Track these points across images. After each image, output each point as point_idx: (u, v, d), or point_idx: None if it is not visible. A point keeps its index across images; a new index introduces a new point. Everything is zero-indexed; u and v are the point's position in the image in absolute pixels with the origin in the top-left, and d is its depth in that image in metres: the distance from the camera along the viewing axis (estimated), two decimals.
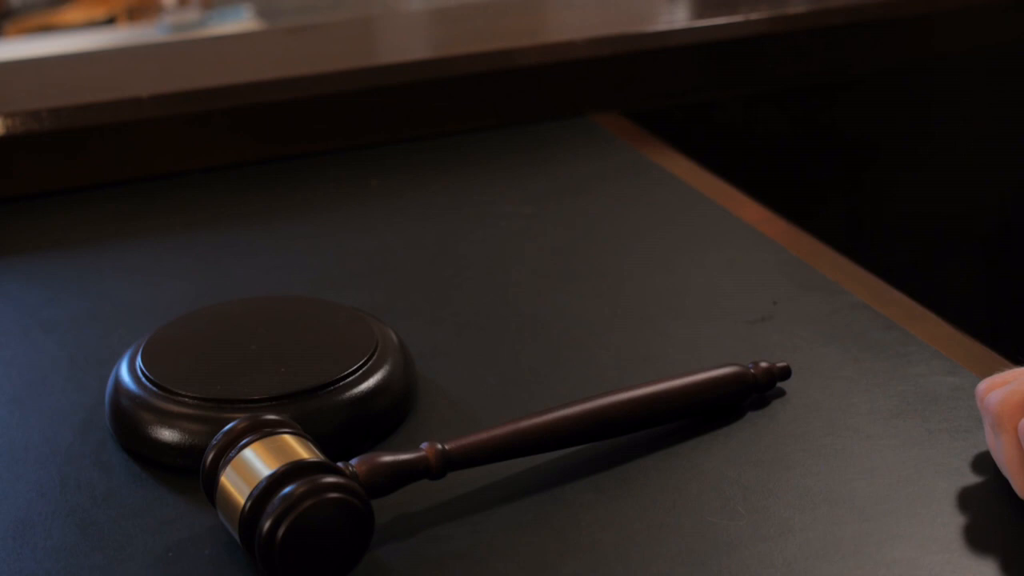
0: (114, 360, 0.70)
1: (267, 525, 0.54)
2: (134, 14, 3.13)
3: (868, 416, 0.67)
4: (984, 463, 0.63)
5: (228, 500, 0.57)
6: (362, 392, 0.66)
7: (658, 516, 0.60)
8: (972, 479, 0.62)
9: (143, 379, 0.66)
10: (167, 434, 0.64)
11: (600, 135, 1.14)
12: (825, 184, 1.34)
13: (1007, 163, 1.42)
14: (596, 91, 1.19)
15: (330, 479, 0.56)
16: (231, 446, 0.59)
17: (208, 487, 0.59)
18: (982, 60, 1.37)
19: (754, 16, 1.25)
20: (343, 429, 0.65)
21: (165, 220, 0.99)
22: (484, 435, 0.62)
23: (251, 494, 0.56)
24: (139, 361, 0.68)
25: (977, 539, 0.57)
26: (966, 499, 0.60)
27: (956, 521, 0.58)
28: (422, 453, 0.60)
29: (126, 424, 0.66)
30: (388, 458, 0.59)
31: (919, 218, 1.38)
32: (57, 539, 0.59)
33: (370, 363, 0.68)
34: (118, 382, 0.68)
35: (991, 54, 1.37)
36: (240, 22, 2.88)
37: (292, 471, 0.56)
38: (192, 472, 0.63)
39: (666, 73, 1.22)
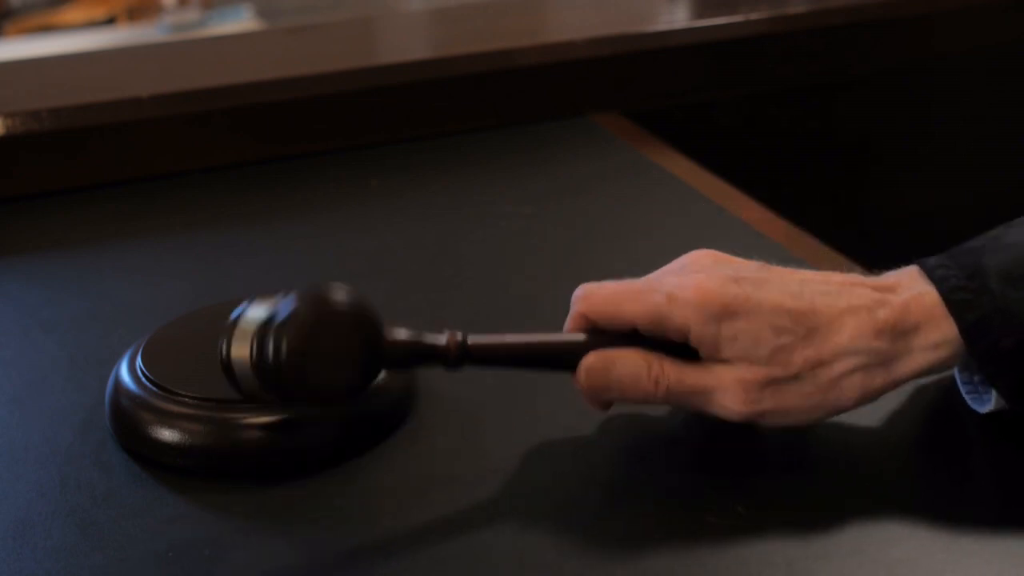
0: (114, 360, 0.70)
1: (271, 348, 0.56)
2: (134, 14, 3.13)
3: (868, 416, 0.67)
4: (985, 464, 0.63)
5: (240, 359, 0.59)
6: (362, 392, 0.66)
7: (658, 516, 0.60)
8: (972, 479, 0.62)
9: (143, 379, 0.66)
10: (167, 434, 0.64)
11: (600, 135, 1.14)
12: (825, 184, 1.34)
13: (1007, 163, 1.42)
14: (596, 91, 1.19)
15: (331, 295, 0.58)
16: (235, 323, 0.60)
17: (229, 374, 0.60)
18: (982, 60, 1.37)
19: (754, 16, 1.25)
20: (344, 429, 0.65)
21: (165, 220, 0.99)
22: (504, 338, 0.63)
23: (254, 334, 0.58)
24: (139, 361, 0.68)
25: (977, 539, 0.57)
26: (966, 499, 0.60)
27: (956, 521, 0.58)
28: (443, 339, 0.61)
29: (126, 424, 0.66)
30: (410, 334, 0.61)
31: (919, 218, 1.38)
32: (57, 539, 0.59)
33: None
34: (118, 382, 0.68)
35: (991, 54, 1.37)
36: (240, 22, 2.88)
37: (290, 299, 0.58)
38: (192, 472, 0.63)
39: (666, 73, 1.22)
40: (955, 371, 0.68)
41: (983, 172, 1.41)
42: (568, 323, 0.65)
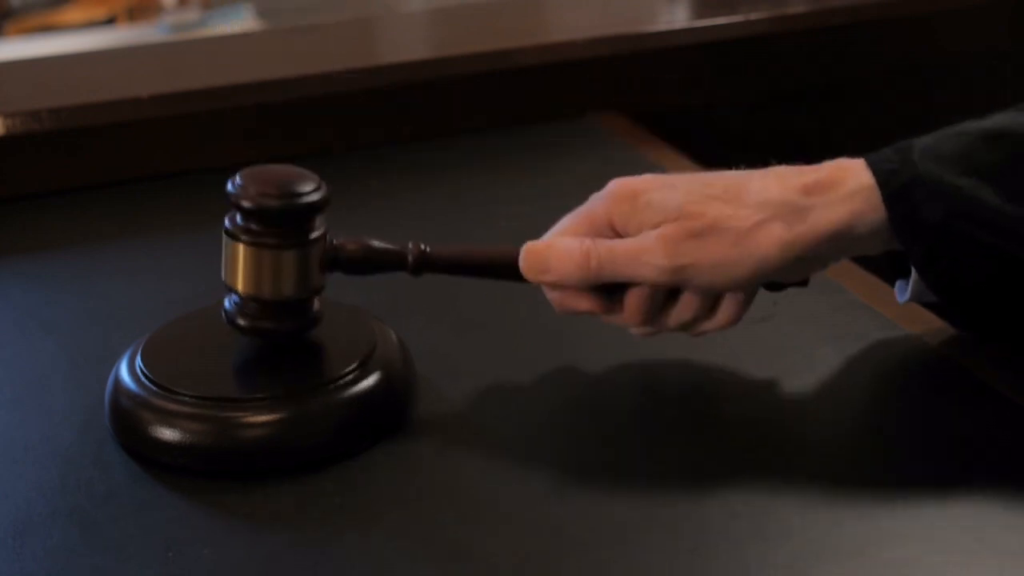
0: (114, 360, 0.70)
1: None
2: (134, 14, 3.13)
3: (868, 415, 0.67)
4: (986, 464, 0.63)
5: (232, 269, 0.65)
6: (361, 391, 0.66)
7: (658, 516, 0.60)
8: (973, 479, 0.62)
9: (143, 378, 0.66)
10: (167, 433, 0.64)
11: (600, 135, 1.14)
12: None
13: None
14: (596, 91, 1.19)
15: None
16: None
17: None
18: (982, 60, 1.37)
19: (754, 16, 1.25)
20: (343, 428, 0.65)
21: (165, 220, 0.99)
22: (461, 248, 0.69)
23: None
24: (139, 360, 0.68)
25: (977, 539, 0.57)
26: (966, 498, 0.60)
27: (956, 521, 0.58)
28: (404, 246, 0.68)
29: (126, 423, 0.66)
30: (374, 241, 0.68)
31: None
32: (57, 539, 0.59)
33: (369, 362, 0.68)
34: (118, 382, 0.68)
35: (991, 54, 1.37)
36: (240, 22, 2.88)
37: None
38: (192, 472, 0.63)
39: (666, 73, 1.22)
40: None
41: None
42: None
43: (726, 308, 0.67)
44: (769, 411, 0.68)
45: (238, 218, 0.65)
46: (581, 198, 0.99)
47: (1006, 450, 0.64)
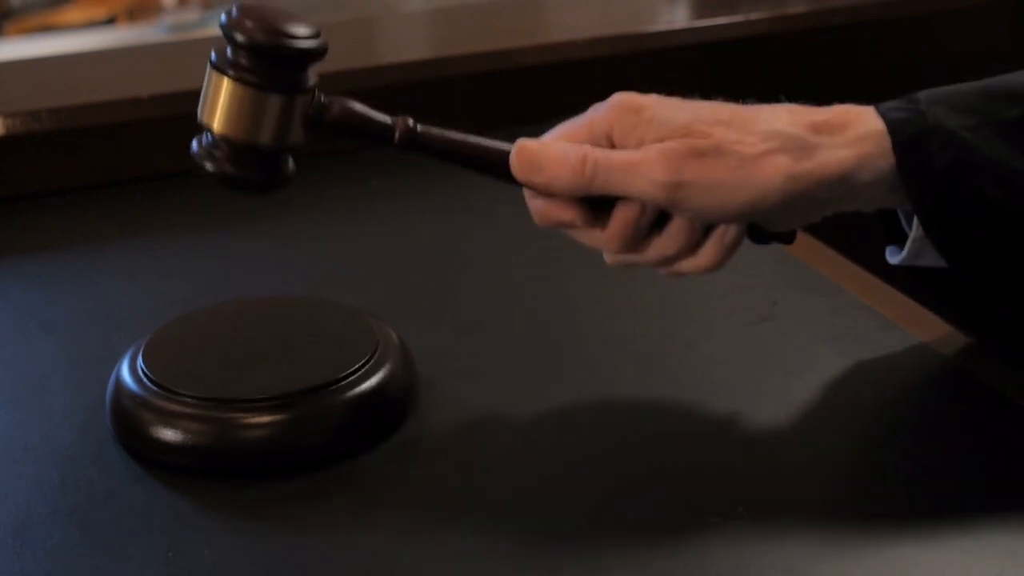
0: (114, 360, 0.70)
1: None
2: (134, 14, 3.13)
3: (868, 416, 0.67)
4: (986, 464, 0.63)
5: (211, 103, 0.63)
6: (362, 392, 0.66)
7: (658, 516, 0.60)
8: (973, 478, 0.62)
9: (144, 379, 0.66)
10: (168, 433, 0.64)
11: None
12: None
13: None
14: (596, 91, 1.19)
15: None
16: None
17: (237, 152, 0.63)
18: (982, 60, 1.37)
19: (754, 16, 1.25)
20: (343, 429, 0.65)
21: (165, 220, 0.99)
22: (454, 134, 0.66)
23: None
24: (140, 361, 0.68)
25: (977, 539, 0.57)
26: (966, 498, 0.60)
27: (956, 521, 0.58)
28: (394, 119, 0.65)
29: (127, 424, 0.66)
30: (361, 106, 0.65)
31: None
32: (57, 539, 0.59)
33: (370, 363, 0.68)
34: (119, 382, 0.68)
35: (991, 54, 1.37)
36: None
37: None
38: (192, 472, 0.63)
39: (666, 73, 1.22)
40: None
41: None
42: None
43: (709, 248, 0.65)
44: (769, 411, 0.68)
45: (228, 51, 0.62)
46: None
47: (1006, 450, 0.64)
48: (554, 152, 0.64)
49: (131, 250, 0.94)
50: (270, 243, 0.94)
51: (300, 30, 0.62)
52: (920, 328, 0.75)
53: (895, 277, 0.78)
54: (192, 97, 0.98)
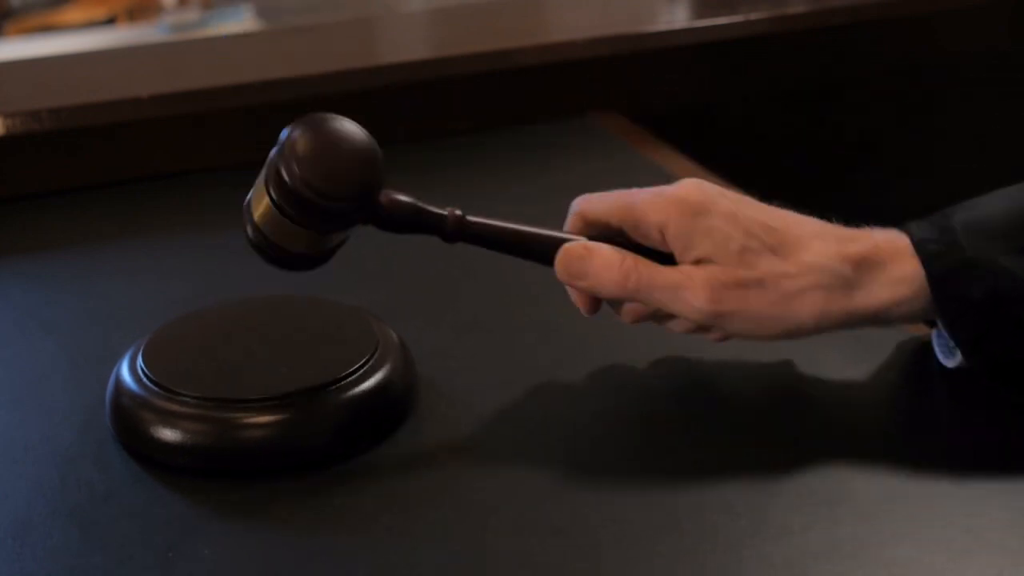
0: (114, 360, 0.70)
1: (279, 162, 0.60)
2: (134, 14, 3.13)
3: (868, 416, 0.67)
4: (985, 461, 0.63)
5: (257, 200, 0.63)
6: (362, 392, 0.66)
7: (658, 516, 0.60)
8: (972, 478, 0.62)
9: (144, 379, 0.66)
10: (168, 434, 0.64)
11: (600, 135, 1.14)
12: (825, 184, 1.34)
13: (1007, 163, 1.42)
14: (596, 91, 1.19)
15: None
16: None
17: (261, 242, 0.64)
18: (982, 60, 1.37)
19: (754, 16, 1.25)
20: (343, 429, 0.65)
21: (165, 220, 0.99)
22: (500, 222, 0.66)
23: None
24: (140, 360, 0.68)
25: (977, 539, 0.57)
26: (966, 497, 0.60)
27: (956, 521, 0.58)
28: (444, 211, 0.65)
29: (127, 424, 0.66)
30: (410, 198, 0.64)
31: (919, 218, 1.38)
32: (57, 539, 0.59)
33: (370, 363, 0.68)
34: (119, 381, 0.68)
35: (991, 54, 1.37)
36: (240, 22, 2.88)
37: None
38: (192, 472, 0.63)
39: (666, 73, 1.22)
40: (934, 334, 0.70)
41: (983, 172, 1.41)
42: (566, 227, 0.69)
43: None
44: (769, 411, 0.68)
45: (276, 170, 0.61)
46: None
47: (1006, 450, 0.64)
48: (599, 262, 0.65)
49: (131, 250, 0.94)
50: None
51: (346, 188, 0.62)
52: (919, 328, 0.75)
53: None
54: (192, 97, 0.97)
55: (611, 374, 0.73)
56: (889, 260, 0.64)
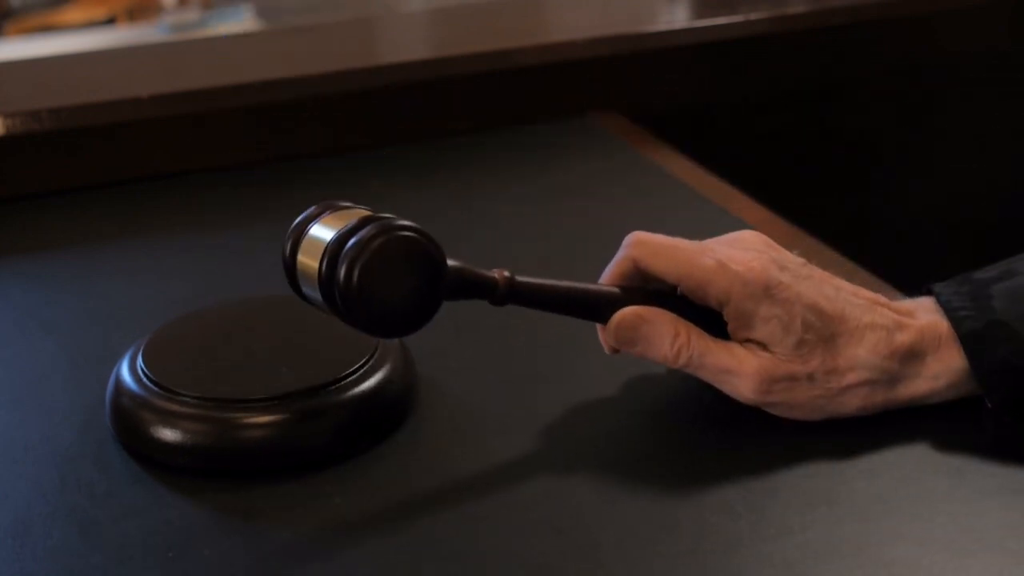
0: (114, 360, 0.70)
1: (343, 270, 0.57)
2: (134, 14, 3.14)
3: (868, 415, 0.67)
4: (985, 462, 0.63)
5: (307, 272, 0.60)
6: (363, 392, 0.66)
7: (658, 516, 0.60)
8: (972, 478, 0.62)
9: (144, 379, 0.66)
10: (168, 434, 0.64)
11: (600, 135, 1.14)
12: (825, 184, 1.34)
13: (1007, 163, 1.42)
14: (596, 91, 1.19)
15: (400, 222, 0.58)
16: (302, 231, 0.61)
17: (291, 277, 0.62)
18: (982, 60, 1.37)
19: (754, 16, 1.25)
20: (343, 429, 0.65)
21: (165, 220, 0.99)
22: (548, 282, 0.65)
23: (324, 251, 0.58)
24: (140, 361, 0.68)
25: (977, 539, 0.57)
26: (966, 499, 0.60)
27: (956, 521, 0.58)
28: (494, 273, 0.63)
29: (127, 424, 0.66)
30: (463, 264, 0.62)
31: (919, 218, 1.38)
32: (57, 539, 0.59)
33: (370, 363, 0.68)
34: (119, 381, 0.68)
35: (991, 54, 1.37)
36: (240, 22, 2.88)
37: (360, 223, 0.58)
38: (192, 472, 0.63)
39: (666, 73, 1.22)
40: None
41: (983, 172, 1.41)
42: (613, 266, 0.67)
43: None
44: (768, 411, 0.68)
45: (320, 261, 0.59)
46: (581, 198, 0.99)
47: (1006, 450, 0.64)
48: (652, 332, 0.64)
49: (131, 250, 0.94)
50: (270, 243, 0.93)
51: (400, 332, 0.61)
52: None
53: (895, 276, 0.78)
54: (192, 97, 0.97)
55: (611, 374, 0.73)
56: (931, 351, 0.64)
